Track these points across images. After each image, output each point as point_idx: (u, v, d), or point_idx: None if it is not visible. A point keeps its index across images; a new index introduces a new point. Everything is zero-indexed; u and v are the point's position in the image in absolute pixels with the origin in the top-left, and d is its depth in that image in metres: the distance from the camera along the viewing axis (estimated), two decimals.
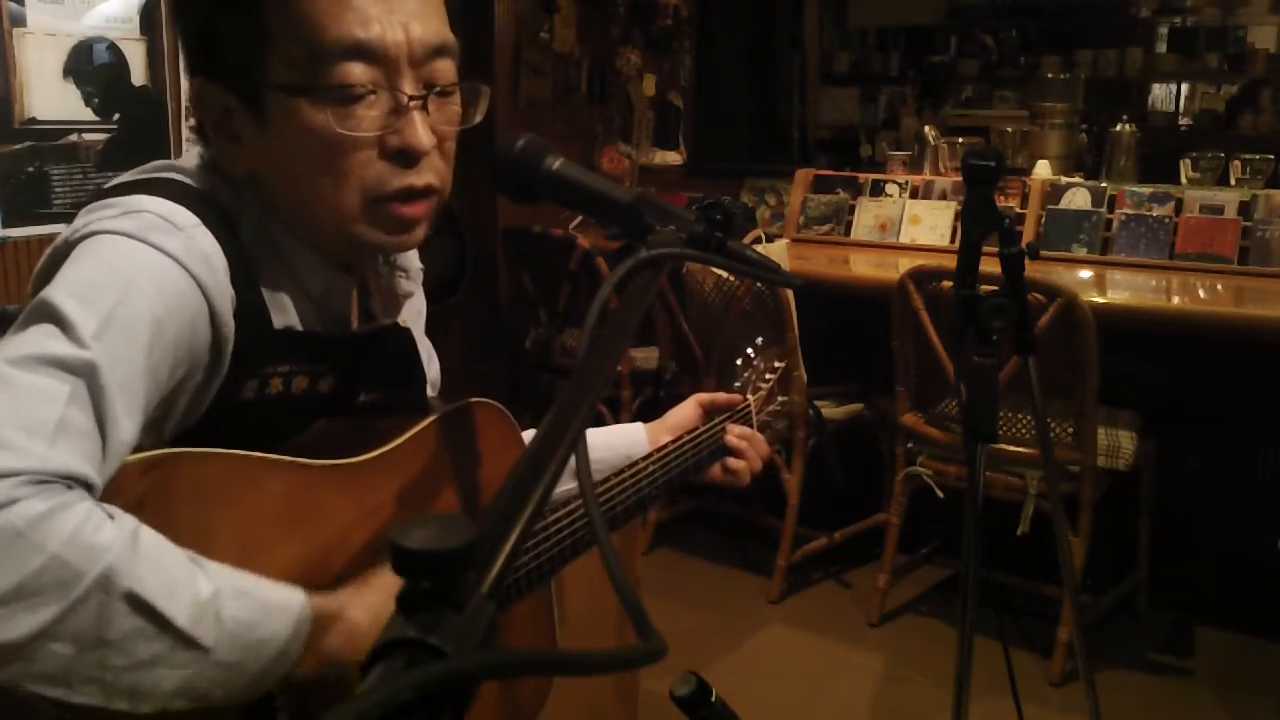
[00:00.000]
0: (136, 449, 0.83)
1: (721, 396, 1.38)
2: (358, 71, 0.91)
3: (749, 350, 1.47)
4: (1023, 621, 2.99)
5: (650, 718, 2.19)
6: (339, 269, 1.03)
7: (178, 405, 0.91)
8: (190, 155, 1.00)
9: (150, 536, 0.78)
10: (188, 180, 0.95)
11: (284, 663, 0.83)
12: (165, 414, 0.90)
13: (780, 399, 1.49)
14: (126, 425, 0.81)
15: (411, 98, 0.93)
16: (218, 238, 0.91)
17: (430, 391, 1.20)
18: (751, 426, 1.39)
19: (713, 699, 0.90)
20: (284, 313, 0.98)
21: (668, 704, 0.89)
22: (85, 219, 0.90)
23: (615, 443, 1.33)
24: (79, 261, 0.86)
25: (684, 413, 1.36)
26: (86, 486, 0.77)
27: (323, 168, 0.93)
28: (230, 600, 0.79)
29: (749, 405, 1.41)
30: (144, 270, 0.85)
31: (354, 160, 0.93)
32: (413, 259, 1.17)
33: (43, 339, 0.79)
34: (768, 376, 1.47)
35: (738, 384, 1.44)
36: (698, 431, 1.30)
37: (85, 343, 0.79)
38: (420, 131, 0.93)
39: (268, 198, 0.97)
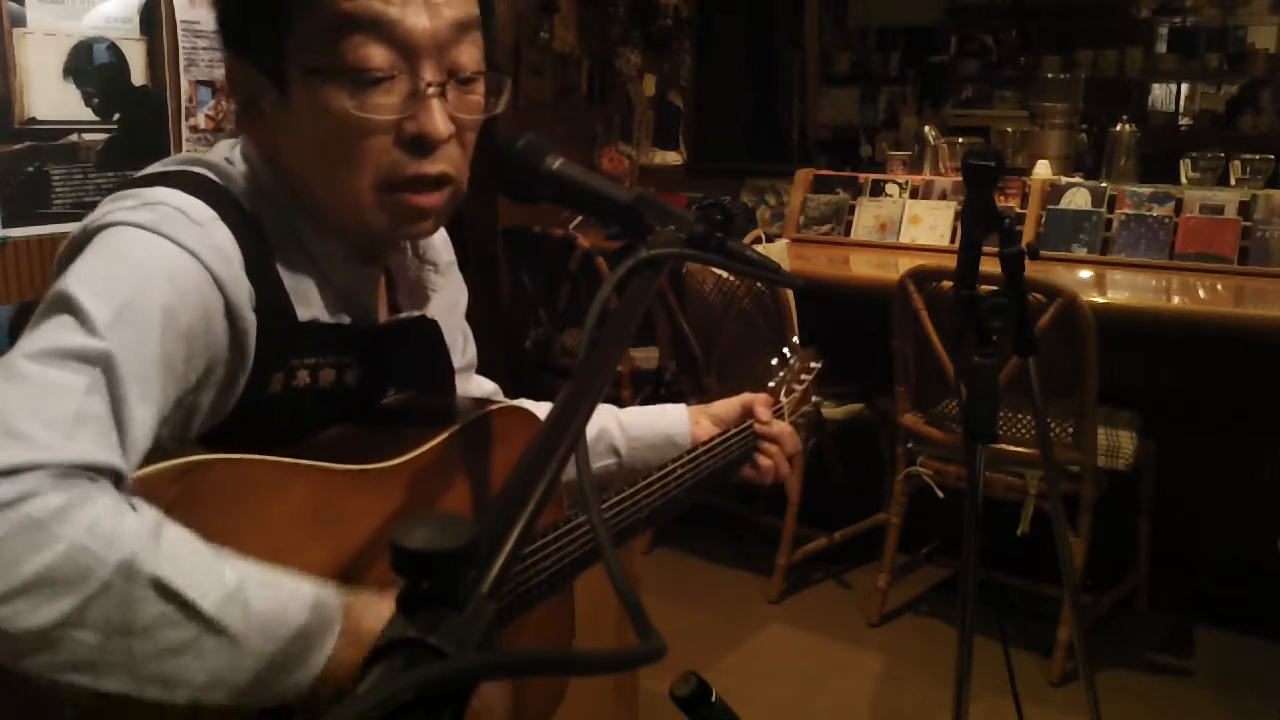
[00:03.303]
0: (164, 450, 0.84)
1: (759, 399, 1.37)
2: (377, 54, 0.90)
3: (785, 350, 1.47)
4: (1023, 621, 2.99)
5: (650, 718, 2.19)
6: (362, 260, 1.03)
7: (203, 402, 0.91)
8: (218, 149, 1.00)
9: (174, 529, 0.78)
10: (210, 174, 0.96)
11: (317, 660, 0.81)
12: (191, 411, 0.90)
13: (814, 399, 1.49)
14: (144, 413, 0.81)
15: (430, 84, 0.92)
16: (235, 232, 0.92)
17: (460, 380, 1.20)
18: None
19: (713, 699, 0.90)
20: (308, 305, 0.98)
21: (668, 704, 0.89)
22: (105, 208, 0.91)
23: (656, 422, 1.34)
24: (94, 252, 0.86)
25: (729, 406, 1.35)
26: (111, 475, 0.77)
27: (338, 150, 0.93)
28: (257, 590, 0.79)
29: (782, 406, 1.41)
30: (158, 262, 0.86)
31: (369, 144, 0.92)
32: (443, 252, 1.17)
33: (58, 331, 0.80)
34: (803, 377, 1.47)
35: (771, 384, 1.43)
36: (729, 434, 1.30)
37: (99, 332, 0.80)
38: (437, 119, 0.92)
39: (291, 185, 0.97)
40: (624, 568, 0.55)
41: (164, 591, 0.75)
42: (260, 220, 0.95)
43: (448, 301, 1.19)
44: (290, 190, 0.98)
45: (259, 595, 0.79)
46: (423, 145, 0.93)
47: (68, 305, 0.81)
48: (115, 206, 0.90)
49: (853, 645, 2.99)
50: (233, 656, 0.77)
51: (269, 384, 0.94)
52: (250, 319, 0.91)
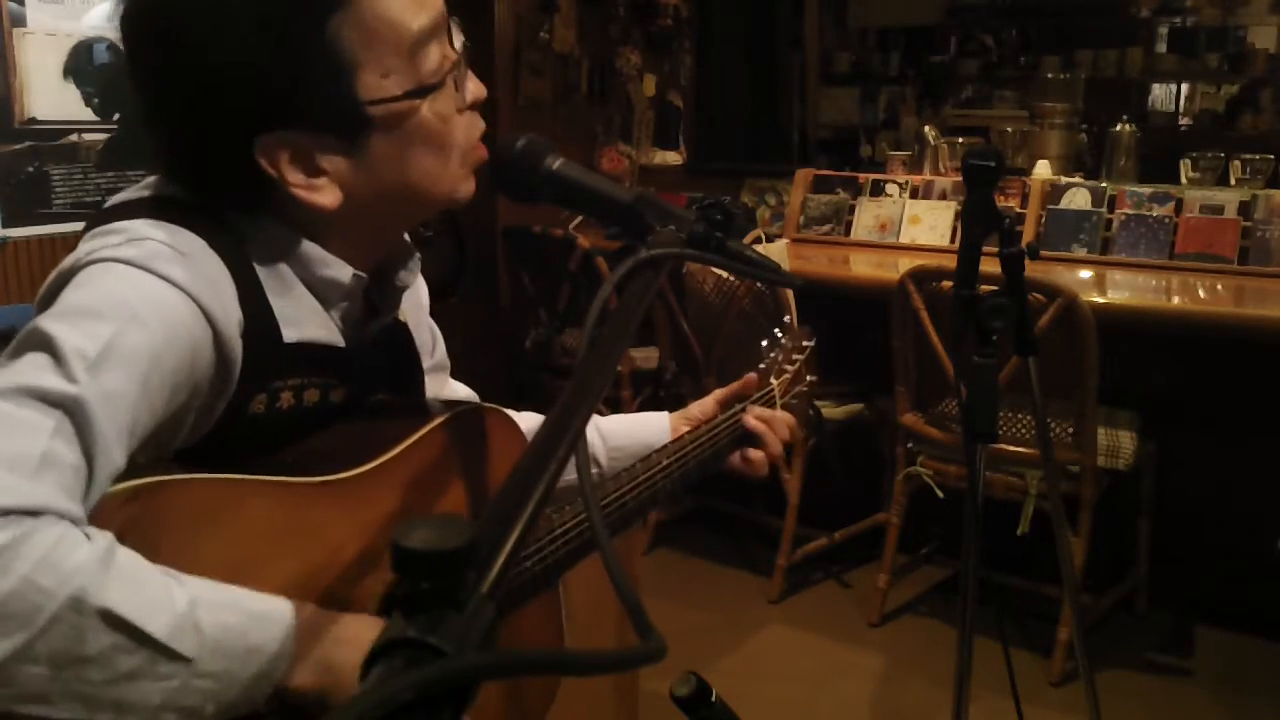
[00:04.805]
0: (136, 468, 0.82)
1: (737, 387, 1.34)
2: (437, 52, 0.93)
3: (775, 330, 1.42)
4: (1023, 621, 2.99)
5: (650, 718, 2.19)
6: (373, 265, 1.02)
7: (184, 424, 0.90)
8: None
9: (125, 554, 0.77)
10: (192, 198, 0.93)
11: (273, 672, 0.82)
12: (172, 434, 0.89)
13: (809, 379, 1.43)
14: (115, 456, 0.79)
15: (459, 58, 0.96)
16: (224, 258, 0.90)
17: (434, 383, 1.19)
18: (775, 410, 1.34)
19: (713, 699, 0.90)
20: (297, 325, 0.95)
21: (668, 704, 0.90)
22: (89, 245, 0.88)
23: (638, 432, 1.32)
24: (80, 289, 0.84)
25: (705, 405, 1.34)
26: (66, 518, 0.76)
27: (436, 151, 0.95)
28: (209, 610, 0.79)
29: (773, 389, 1.36)
30: (145, 300, 0.84)
31: (454, 128, 0.96)
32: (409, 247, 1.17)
33: (33, 370, 0.78)
34: (795, 357, 1.41)
35: (762, 365, 1.38)
36: (715, 421, 1.27)
37: (76, 376, 0.78)
38: (477, 82, 0.99)
39: (301, 211, 0.94)
40: (624, 568, 0.55)
41: (113, 621, 0.74)
42: (248, 240, 0.93)
43: (414, 299, 1.17)
44: (288, 214, 0.94)
45: (210, 615, 0.79)
46: (475, 108, 0.99)
47: (46, 343, 0.79)
48: (101, 244, 0.87)
49: (853, 645, 2.99)
50: (186, 678, 0.77)
51: (250, 405, 0.92)
52: (238, 347, 0.89)
